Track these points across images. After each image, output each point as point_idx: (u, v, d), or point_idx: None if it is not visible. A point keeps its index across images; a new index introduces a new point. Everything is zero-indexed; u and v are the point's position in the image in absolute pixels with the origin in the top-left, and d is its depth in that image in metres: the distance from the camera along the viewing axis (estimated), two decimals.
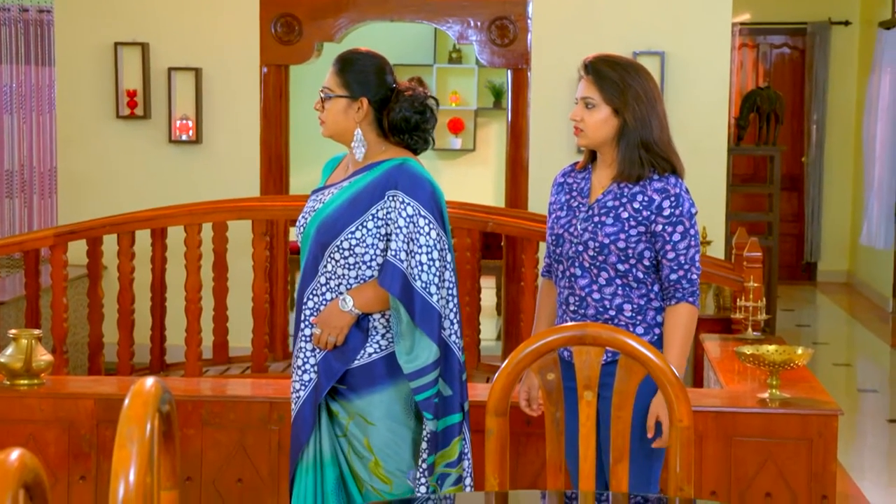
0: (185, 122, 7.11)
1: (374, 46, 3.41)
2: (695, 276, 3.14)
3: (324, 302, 3.18)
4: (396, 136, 3.22)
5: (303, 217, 3.27)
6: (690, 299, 3.13)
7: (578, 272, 3.16)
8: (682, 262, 3.12)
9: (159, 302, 5.93)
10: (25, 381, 3.89)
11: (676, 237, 3.11)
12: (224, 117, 7.14)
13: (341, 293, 3.16)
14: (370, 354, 3.17)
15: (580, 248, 3.15)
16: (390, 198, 3.13)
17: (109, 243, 5.91)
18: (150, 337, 6.02)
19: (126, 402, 1.75)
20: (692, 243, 3.13)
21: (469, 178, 10.62)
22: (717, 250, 6.90)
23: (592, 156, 3.25)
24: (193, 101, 7.11)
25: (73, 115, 7.19)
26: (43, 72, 8.37)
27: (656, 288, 3.15)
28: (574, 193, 3.23)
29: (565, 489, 2.77)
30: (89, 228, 5.78)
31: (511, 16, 6.99)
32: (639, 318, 3.14)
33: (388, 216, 3.13)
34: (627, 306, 3.14)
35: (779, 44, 11.44)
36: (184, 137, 7.13)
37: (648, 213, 3.11)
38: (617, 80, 3.13)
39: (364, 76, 3.20)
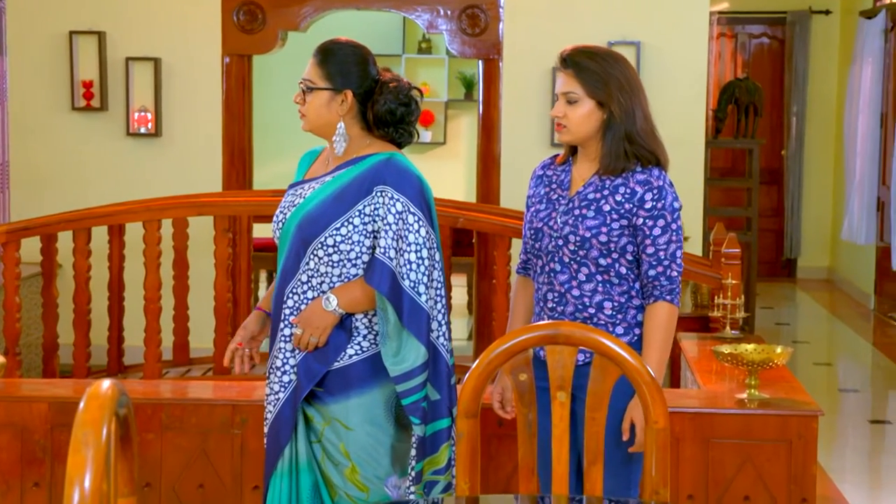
0: (143, 114, 7.08)
1: (340, 35, 3.39)
2: (675, 274, 3.12)
3: (305, 301, 3.15)
4: (381, 129, 3.20)
5: (281, 212, 3.23)
6: (668, 297, 3.11)
7: (558, 267, 3.15)
8: (662, 257, 3.10)
9: (117, 301, 5.91)
10: None
11: (657, 231, 3.10)
12: (184, 109, 7.11)
13: (324, 292, 3.13)
14: (350, 356, 3.14)
15: (560, 242, 3.14)
16: (378, 193, 3.10)
17: (65, 240, 5.88)
18: (108, 338, 6.00)
19: (81, 405, 1.74)
20: (673, 238, 3.11)
21: (439, 172, 10.62)
22: (694, 246, 6.93)
23: (573, 149, 3.24)
24: (152, 92, 7.08)
25: (26, 107, 7.14)
26: None
27: (638, 285, 3.15)
28: (554, 186, 3.22)
29: (538, 493, 2.77)
30: (44, 225, 5.75)
31: (482, 4, 7.00)
32: (619, 316, 3.14)
33: (376, 212, 3.10)
34: (608, 304, 3.13)
35: (758, 33, 11.51)
36: (142, 130, 7.09)
37: (631, 205, 3.10)
38: (599, 71, 3.11)
39: (347, 68, 3.18)
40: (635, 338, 3.14)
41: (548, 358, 2.66)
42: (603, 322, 3.13)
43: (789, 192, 11.42)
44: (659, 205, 3.10)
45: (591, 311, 3.13)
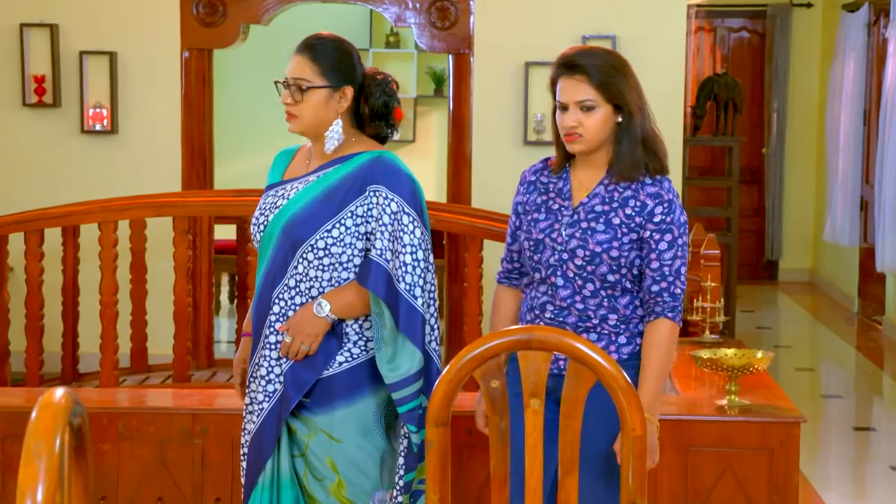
0: (98, 110, 7.05)
1: (305, 29, 3.39)
2: (678, 291, 3.09)
3: (293, 307, 3.11)
4: (375, 122, 3.19)
5: (262, 214, 3.18)
6: (671, 314, 3.08)
7: (560, 282, 3.11)
8: (666, 273, 3.08)
9: (71, 306, 5.88)
10: None
11: (663, 246, 3.08)
12: (141, 105, 7.08)
13: (313, 297, 3.10)
14: (340, 364, 3.11)
15: (565, 256, 3.10)
16: (372, 193, 3.08)
17: (16, 242, 5.84)
18: (62, 344, 5.96)
19: (33, 414, 1.73)
20: (679, 254, 3.09)
21: None
22: None
23: (567, 155, 3.18)
24: (108, 87, 7.05)
25: None
26: None
27: (641, 296, 3.13)
28: (552, 195, 3.17)
29: None
30: None
31: None
32: (622, 326, 3.12)
33: (370, 213, 3.08)
34: (612, 316, 3.11)
35: (737, 27, 11.57)
36: (98, 127, 7.06)
37: (640, 218, 3.08)
38: (611, 73, 3.07)
39: (342, 63, 3.17)
40: (637, 347, 3.13)
41: (520, 364, 2.64)
42: (606, 332, 3.12)
43: (770, 191, 11.48)
44: (668, 219, 3.08)
45: (595, 322, 3.11)
